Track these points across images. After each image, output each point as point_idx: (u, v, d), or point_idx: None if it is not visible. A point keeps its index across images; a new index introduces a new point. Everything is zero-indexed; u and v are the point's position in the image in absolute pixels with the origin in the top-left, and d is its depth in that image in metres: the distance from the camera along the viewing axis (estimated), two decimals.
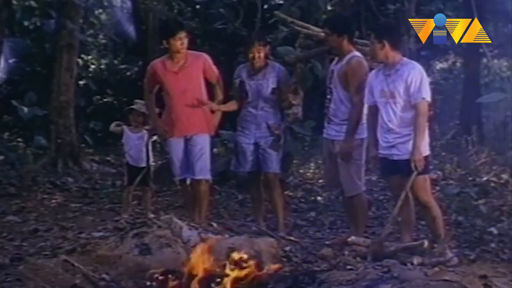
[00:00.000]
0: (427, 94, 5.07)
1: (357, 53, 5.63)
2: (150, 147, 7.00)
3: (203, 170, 6.04)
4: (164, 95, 6.18)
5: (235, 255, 3.92)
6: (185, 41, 5.95)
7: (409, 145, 5.07)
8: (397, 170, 5.18)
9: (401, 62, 5.16)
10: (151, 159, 7.04)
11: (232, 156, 6.56)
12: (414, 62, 5.27)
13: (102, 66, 16.07)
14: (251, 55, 6.00)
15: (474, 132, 11.70)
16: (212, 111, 6.17)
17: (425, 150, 5.13)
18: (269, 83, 6.03)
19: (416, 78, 5.05)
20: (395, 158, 5.17)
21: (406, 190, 5.07)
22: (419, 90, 5.03)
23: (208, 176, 6.09)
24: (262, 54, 6.00)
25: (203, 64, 6.06)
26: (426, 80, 5.13)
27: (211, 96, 6.21)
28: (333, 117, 5.69)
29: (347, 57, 5.57)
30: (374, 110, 5.31)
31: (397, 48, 5.21)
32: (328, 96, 5.76)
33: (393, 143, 5.17)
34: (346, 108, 5.59)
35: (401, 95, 5.09)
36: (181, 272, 3.98)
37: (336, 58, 5.79)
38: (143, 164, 6.95)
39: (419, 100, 5.04)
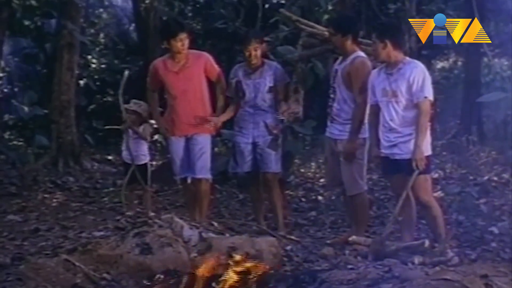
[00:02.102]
0: (429, 93, 5.06)
1: (361, 53, 5.61)
2: (142, 146, 6.96)
3: (204, 169, 6.05)
4: (166, 95, 6.19)
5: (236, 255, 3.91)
6: (186, 41, 5.94)
7: (411, 145, 5.06)
8: (398, 169, 5.18)
9: (404, 61, 5.16)
10: (144, 157, 7.00)
11: (231, 156, 6.54)
12: (416, 61, 5.26)
13: (103, 66, 16.07)
14: (247, 53, 5.97)
15: (474, 131, 11.70)
16: (213, 111, 6.16)
17: (427, 150, 5.13)
18: (266, 82, 6.02)
19: (419, 77, 5.04)
20: (397, 157, 5.17)
21: (407, 190, 5.07)
22: (422, 89, 5.03)
23: (208, 176, 6.09)
24: (258, 52, 5.97)
25: (204, 64, 6.05)
26: (429, 79, 5.12)
27: (214, 96, 6.21)
28: (336, 116, 5.69)
29: (351, 57, 5.56)
30: (376, 110, 5.30)
31: (399, 47, 5.21)
32: (331, 96, 5.75)
33: (395, 142, 5.17)
34: (349, 107, 5.59)
35: (403, 94, 5.08)
36: (183, 272, 3.98)
37: (340, 58, 5.78)
38: (141, 162, 6.95)
39: (421, 99, 5.04)
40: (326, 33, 6.49)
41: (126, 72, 6.40)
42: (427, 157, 5.11)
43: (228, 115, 6.24)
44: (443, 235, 5.13)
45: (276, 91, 6.05)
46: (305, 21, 7.39)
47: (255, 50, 5.95)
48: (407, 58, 5.26)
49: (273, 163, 6.06)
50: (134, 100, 6.92)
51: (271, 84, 6.02)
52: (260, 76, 6.03)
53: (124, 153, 7.03)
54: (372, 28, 5.36)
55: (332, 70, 5.92)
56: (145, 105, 6.85)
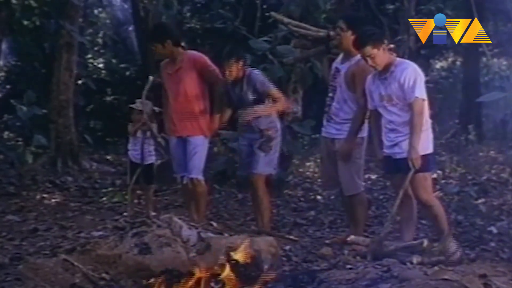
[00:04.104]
0: (420, 93, 5.01)
1: None
2: (149, 146, 6.98)
3: (195, 169, 6.02)
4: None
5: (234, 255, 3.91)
6: (159, 49, 5.96)
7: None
8: (399, 168, 5.15)
9: (395, 64, 5.11)
10: (150, 157, 7.01)
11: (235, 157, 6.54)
12: (407, 62, 5.22)
13: (101, 65, 16.08)
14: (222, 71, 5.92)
15: (473, 131, 11.72)
16: (210, 114, 6.13)
17: (427, 148, 5.12)
18: (248, 94, 5.91)
19: (409, 77, 5.00)
20: (398, 156, 5.15)
21: (403, 188, 5.06)
22: (413, 89, 4.98)
23: (200, 176, 6.05)
24: (233, 71, 5.85)
25: (195, 66, 6.00)
26: (421, 79, 5.07)
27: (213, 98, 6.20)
28: (334, 116, 5.64)
29: (356, 57, 5.45)
30: (377, 114, 5.27)
31: (391, 50, 5.15)
32: (330, 94, 5.69)
33: (396, 141, 5.15)
34: (349, 108, 5.55)
35: (397, 97, 5.06)
36: (181, 272, 3.97)
37: (341, 57, 5.69)
38: (148, 162, 6.96)
39: (412, 98, 5.00)
40: (320, 33, 6.42)
41: (151, 77, 6.38)
42: (428, 155, 5.10)
43: (224, 118, 6.22)
44: (446, 231, 5.11)
45: (261, 99, 5.95)
46: (296, 22, 7.33)
47: (229, 70, 5.84)
48: (398, 59, 5.20)
49: (260, 165, 5.96)
50: (140, 100, 6.91)
51: (254, 96, 5.92)
52: (241, 89, 5.93)
53: (132, 153, 7.03)
54: (362, 41, 5.19)
55: (331, 68, 5.83)
56: (150, 104, 6.87)
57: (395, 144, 5.16)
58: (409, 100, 5.02)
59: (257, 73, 6.03)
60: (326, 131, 5.77)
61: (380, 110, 5.22)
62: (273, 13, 7.80)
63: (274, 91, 5.95)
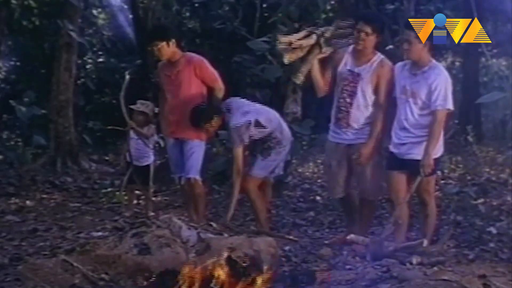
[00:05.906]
0: (450, 104, 5.02)
1: (382, 56, 5.43)
2: (145, 147, 6.96)
3: (193, 169, 6.02)
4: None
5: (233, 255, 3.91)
6: (162, 49, 5.92)
7: (420, 146, 5.05)
8: (403, 167, 5.17)
9: (430, 65, 5.08)
10: (146, 158, 7.00)
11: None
12: (441, 68, 5.18)
13: (101, 65, 16.07)
14: None
15: (472, 131, 11.71)
16: None
17: (439, 151, 5.15)
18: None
19: (441, 86, 4.99)
20: (405, 157, 5.15)
21: (411, 192, 5.08)
22: (444, 99, 4.98)
23: (197, 176, 6.05)
24: (214, 127, 5.97)
25: (193, 69, 5.98)
26: (451, 87, 5.07)
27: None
28: (353, 122, 5.41)
29: (375, 59, 5.36)
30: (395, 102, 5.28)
31: (433, 49, 5.13)
32: (348, 100, 5.41)
33: (405, 141, 5.14)
34: (368, 112, 5.40)
35: (422, 98, 5.05)
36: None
37: (352, 60, 5.43)
38: (145, 163, 6.95)
39: (439, 108, 4.99)
40: (311, 40, 6.07)
41: (128, 76, 6.38)
42: (437, 158, 5.13)
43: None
44: (428, 236, 5.11)
45: None
46: (285, 38, 6.77)
47: (213, 127, 5.96)
48: (434, 61, 5.16)
49: (254, 167, 5.99)
50: (140, 101, 6.91)
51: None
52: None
53: (127, 153, 7.04)
54: (410, 26, 5.15)
55: (341, 72, 5.48)
56: (152, 105, 6.88)
57: (403, 144, 5.15)
58: (435, 108, 5.00)
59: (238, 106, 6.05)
60: (339, 137, 5.54)
61: (398, 102, 5.20)
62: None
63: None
